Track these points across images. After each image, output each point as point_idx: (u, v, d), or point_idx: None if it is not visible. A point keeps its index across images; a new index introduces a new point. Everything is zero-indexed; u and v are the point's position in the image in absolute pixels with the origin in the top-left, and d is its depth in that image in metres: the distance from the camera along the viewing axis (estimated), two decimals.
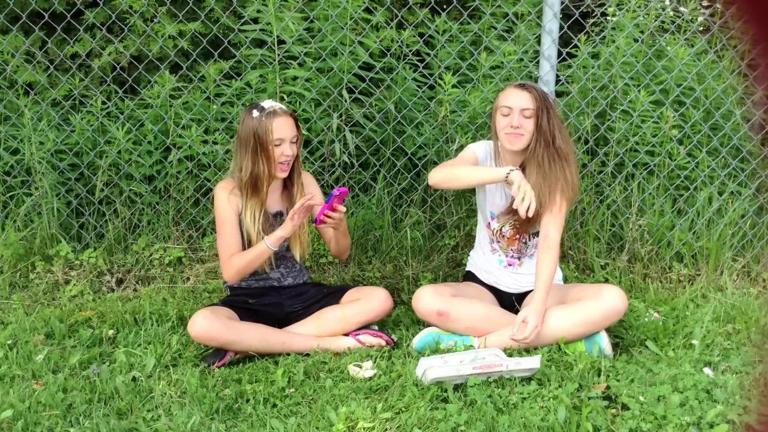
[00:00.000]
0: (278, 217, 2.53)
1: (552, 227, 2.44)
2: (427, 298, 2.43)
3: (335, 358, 2.37)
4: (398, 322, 2.67)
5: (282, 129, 2.37)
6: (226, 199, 2.44)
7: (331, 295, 2.57)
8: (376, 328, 2.53)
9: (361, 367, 2.27)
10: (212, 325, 2.29)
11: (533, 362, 2.15)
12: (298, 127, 2.44)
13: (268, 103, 2.41)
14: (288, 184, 2.53)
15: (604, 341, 2.38)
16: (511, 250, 2.61)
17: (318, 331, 2.45)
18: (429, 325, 2.49)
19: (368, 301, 2.49)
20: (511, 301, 2.60)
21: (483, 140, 2.67)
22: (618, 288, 2.42)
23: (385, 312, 2.51)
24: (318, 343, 2.41)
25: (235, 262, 2.41)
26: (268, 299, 2.52)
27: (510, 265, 2.61)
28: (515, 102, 2.41)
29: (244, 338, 2.34)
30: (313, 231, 2.88)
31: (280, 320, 2.51)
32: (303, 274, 2.64)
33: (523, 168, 2.45)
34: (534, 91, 2.42)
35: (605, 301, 2.37)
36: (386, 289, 2.57)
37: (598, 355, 2.36)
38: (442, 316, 2.40)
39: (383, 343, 2.46)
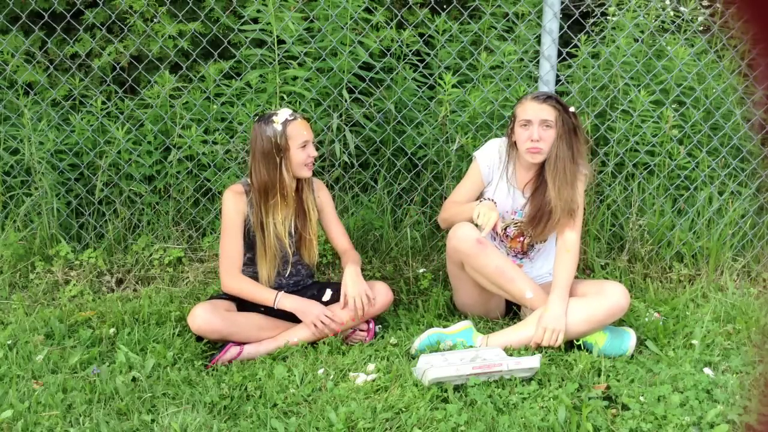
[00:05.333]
0: (284, 221, 2.55)
1: (569, 230, 2.46)
2: (468, 229, 2.44)
3: (335, 358, 2.37)
4: (398, 323, 2.67)
5: (307, 132, 2.45)
6: (233, 205, 2.48)
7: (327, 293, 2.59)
8: (371, 325, 2.56)
9: (366, 373, 2.27)
10: (213, 318, 2.35)
11: (533, 362, 2.15)
12: None
13: (285, 112, 2.44)
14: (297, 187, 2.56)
15: (632, 341, 2.38)
16: (513, 250, 2.62)
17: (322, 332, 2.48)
18: (430, 326, 2.49)
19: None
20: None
21: (493, 140, 2.65)
22: (620, 285, 2.42)
23: (386, 304, 2.54)
24: (314, 332, 2.45)
25: (239, 286, 2.45)
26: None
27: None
28: (534, 114, 2.41)
29: (242, 329, 2.40)
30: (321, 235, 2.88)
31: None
32: (307, 278, 2.67)
33: (540, 178, 2.49)
34: (551, 101, 2.42)
35: (608, 298, 2.37)
36: (383, 282, 2.60)
37: (616, 351, 2.36)
38: (482, 244, 2.42)
39: (366, 338, 2.52)
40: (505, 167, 2.56)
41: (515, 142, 2.50)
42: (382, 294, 2.52)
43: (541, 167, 2.49)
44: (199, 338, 2.44)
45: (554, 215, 2.46)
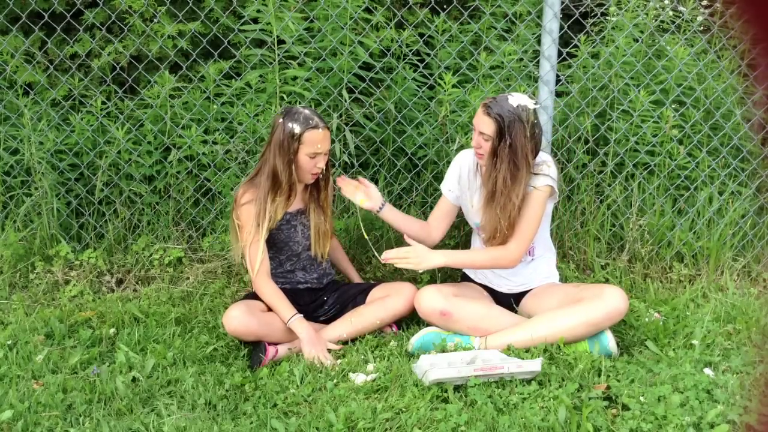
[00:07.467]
0: (299, 216, 2.57)
1: (512, 243, 2.45)
2: (431, 298, 2.43)
3: (337, 360, 2.38)
4: (398, 322, 2.67)
5: (322, 144, 2.43)
6: (254, 213, 2.46)
7: (359, 296, 2.61)
8: (394, 328, 2.61)
9: (366, 373, 2.27)
10: (250, 320, 2.38)
11: (535, 365, 2.14)
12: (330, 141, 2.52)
13: (311, 119, 2.42)
14: (312, 186, 2.58)
15: (610, 341, 2.38)
16: None
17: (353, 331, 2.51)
18: (429, 325, 2.49)
19: (398, 298, 2.53)
20: (509, 302, 2.60)
21: (453, 164, 2.66)
22: (619, 288, 2.42)
23: (411, 307, 2.54)
24: (346, 332, 2.48)
25: (264, 291, 2.46)
26: (297, 307, 2.52)
27: None
28: (476, 122, 2.40)
29: (275, 331, 2.42)
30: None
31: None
32: (327, 273, 2.69)
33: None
34: (496, 118, 2.33)
35: (607, 301, 2.36)
36: (410, 283, 2.64)
37: (604, 354, 2.35)
38: (445, 315, 2.41)
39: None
40: (475, 178, 2.57)
41: None
42: (410, 296, 2.52)
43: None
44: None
45: (490, 230, 2.44)
